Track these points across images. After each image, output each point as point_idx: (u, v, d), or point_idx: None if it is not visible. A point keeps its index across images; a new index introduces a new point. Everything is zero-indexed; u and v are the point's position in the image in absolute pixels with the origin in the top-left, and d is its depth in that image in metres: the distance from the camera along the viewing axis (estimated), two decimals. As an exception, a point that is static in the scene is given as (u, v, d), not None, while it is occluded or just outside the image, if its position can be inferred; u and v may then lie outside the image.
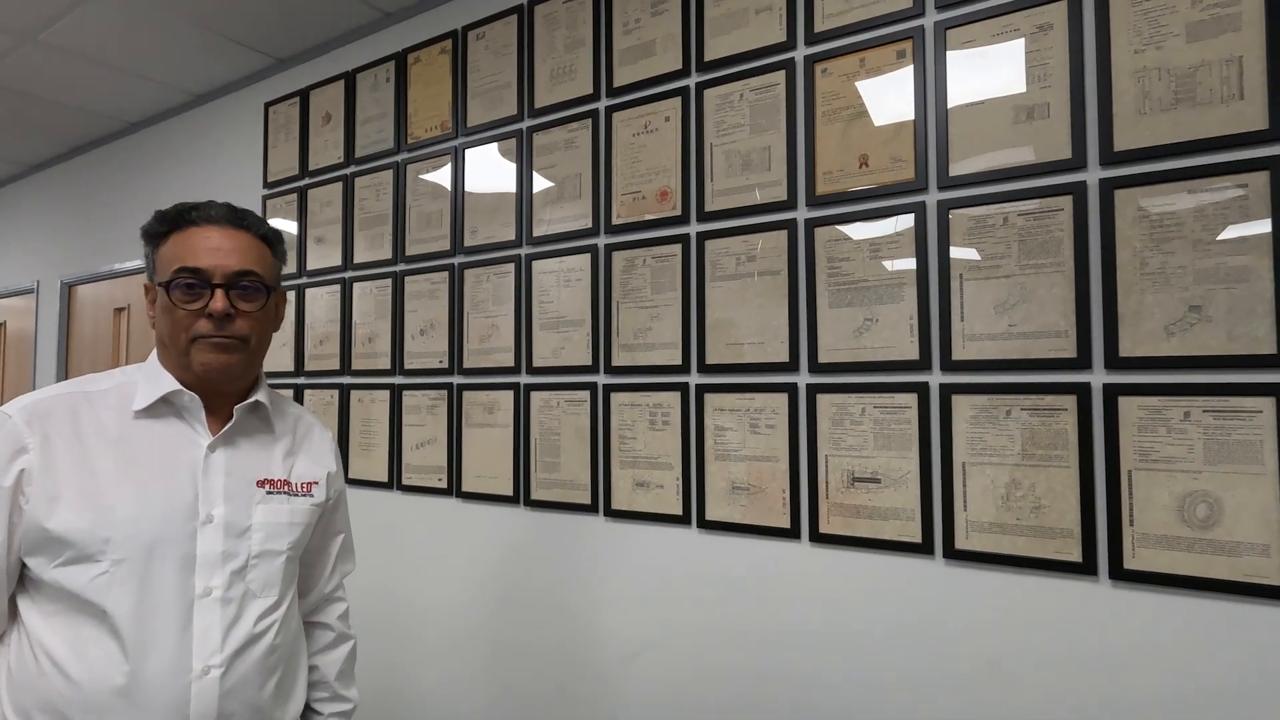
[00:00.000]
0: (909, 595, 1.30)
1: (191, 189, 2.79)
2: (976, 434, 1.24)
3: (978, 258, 1.26)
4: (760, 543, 1.45)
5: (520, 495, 1.79)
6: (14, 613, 0.91)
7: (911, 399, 1.30)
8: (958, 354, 1.27)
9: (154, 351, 1.00)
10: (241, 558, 0.95)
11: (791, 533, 1.41)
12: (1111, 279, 1.16)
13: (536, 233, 1.80)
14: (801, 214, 1.44)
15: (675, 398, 1.56)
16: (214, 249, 0.94)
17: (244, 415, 1.00)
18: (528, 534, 1.78)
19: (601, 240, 1.69)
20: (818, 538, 1.38)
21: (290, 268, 2.37)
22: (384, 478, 2.07)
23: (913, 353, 1.31)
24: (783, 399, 1.43)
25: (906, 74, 1.34)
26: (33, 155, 3.50)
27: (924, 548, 1.28)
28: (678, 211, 1.58)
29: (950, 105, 1.30)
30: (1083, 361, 1.17)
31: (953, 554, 1.26)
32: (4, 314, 3.98)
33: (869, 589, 1.34)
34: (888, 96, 1.36)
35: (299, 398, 2.31)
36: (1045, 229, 1.21)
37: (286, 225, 2.39)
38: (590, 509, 1.67)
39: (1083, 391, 1.17)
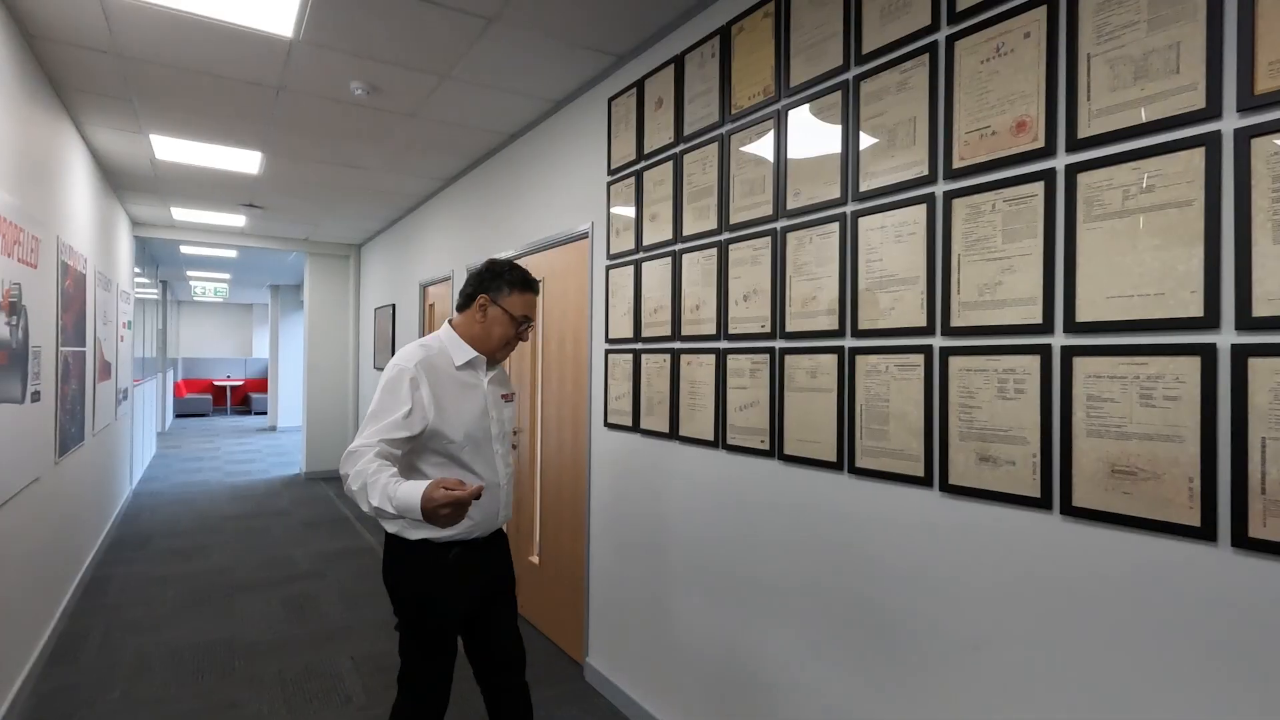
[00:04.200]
0: None
1: (552, 185, 3.29)
2: None
3: None
4: (1150, 540, 1.18)
5: (844, 462, 1.74)
6: (412, 466, 1.70)
7: None
8: None
9: (446, 328, 1.82)
10: (505, 437, 1.87)
11: (1201, 532, 1.12)
12: None
13: (863, 188, 1.70)
14: (1229, 123, 1.10)
15: (1033, 362, 1.34)
16: (532, 307, 1.87)
17: (498, 367, 1.89)
18: (851, 502, 1.73)
19: (939, 188, 1.53)
20: (1244, 543, 1.07)
21: (629, 244, 2.64)
22: (710, 436, 2.20)
23: None
24: (1192, 364, 1.13)
25: None
26: (447, 171, 4.48)
27: None
28: (1039, 143, 1.35)
29: None
30: None
31: None
32: (433, 297, 5.21)
33: (1334, 620, 0.99)
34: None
35: (637, 363, 2.58)
36: None
37: (626, 209, 2.66)
38: (922, 482, 1.54)
39: None
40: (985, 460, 1.42)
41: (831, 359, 1.78)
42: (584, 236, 3.01)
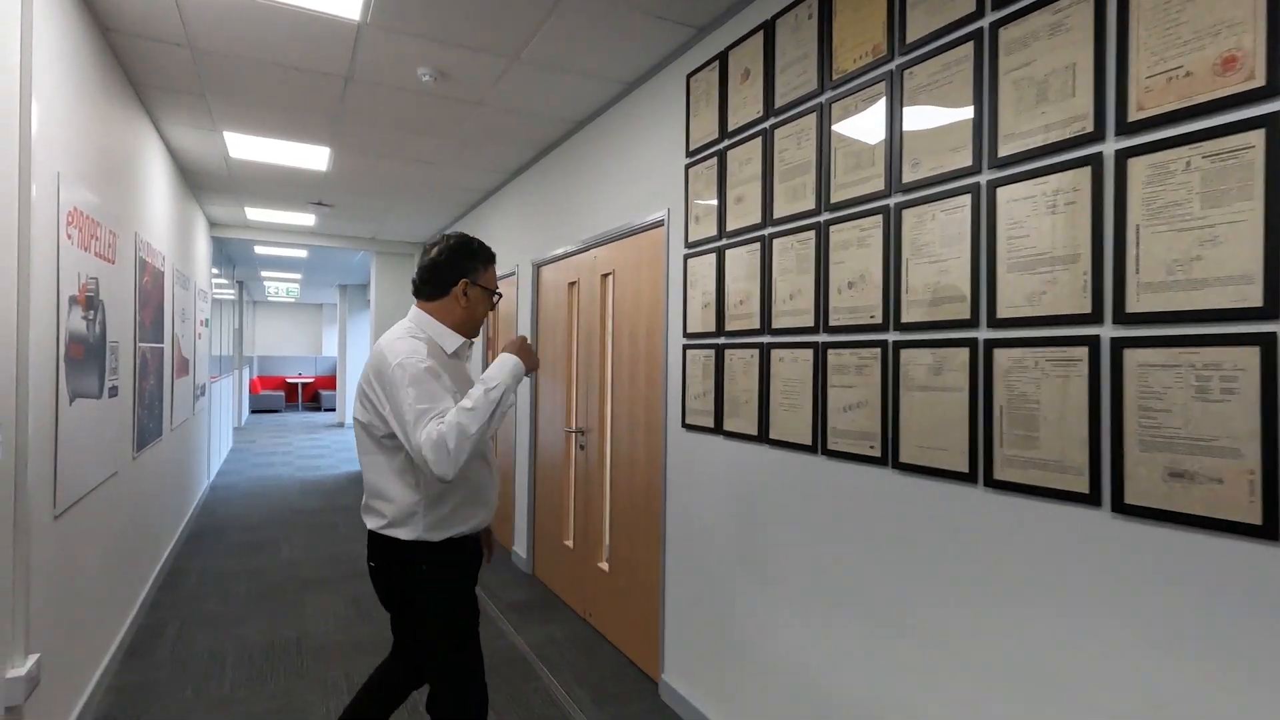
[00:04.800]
0: None
1: (622, 172, 3.12)
2: None
3: None
4: None
5: (979, 473, 1.49)
6: None
7: None
8: None
9: (422, 315, 1.74)
10: None
11: None
12: None
13: (1003, 152, 1.46)
14: None
15: (1249, 355, 1.08)
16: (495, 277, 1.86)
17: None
18: (989, 520, 1.48)
19: (1109, 146, 1.27)
20: None
21: (710, 230, 2.44)
22: (807, 440, 1.98)
23: None
24: None
25: None
26: (512, 163, 4.37)
27: None
28: (1258, 82, 1.08)
29: None
30: None
31: None
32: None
33: None
34: None
35: (720, 359, 2.38)
36: None
37: (707, 192, 2.46)
38: (1087, 499, 1.29)
39: None
40: (1177, 476, 1.16)
41: (961, 353, 1.54)
42: (659, 224, 2.83)
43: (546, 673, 2.92)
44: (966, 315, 1.52)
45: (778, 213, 2.12)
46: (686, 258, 2.59)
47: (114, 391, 2.83)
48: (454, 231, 1.80)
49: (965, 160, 1.54)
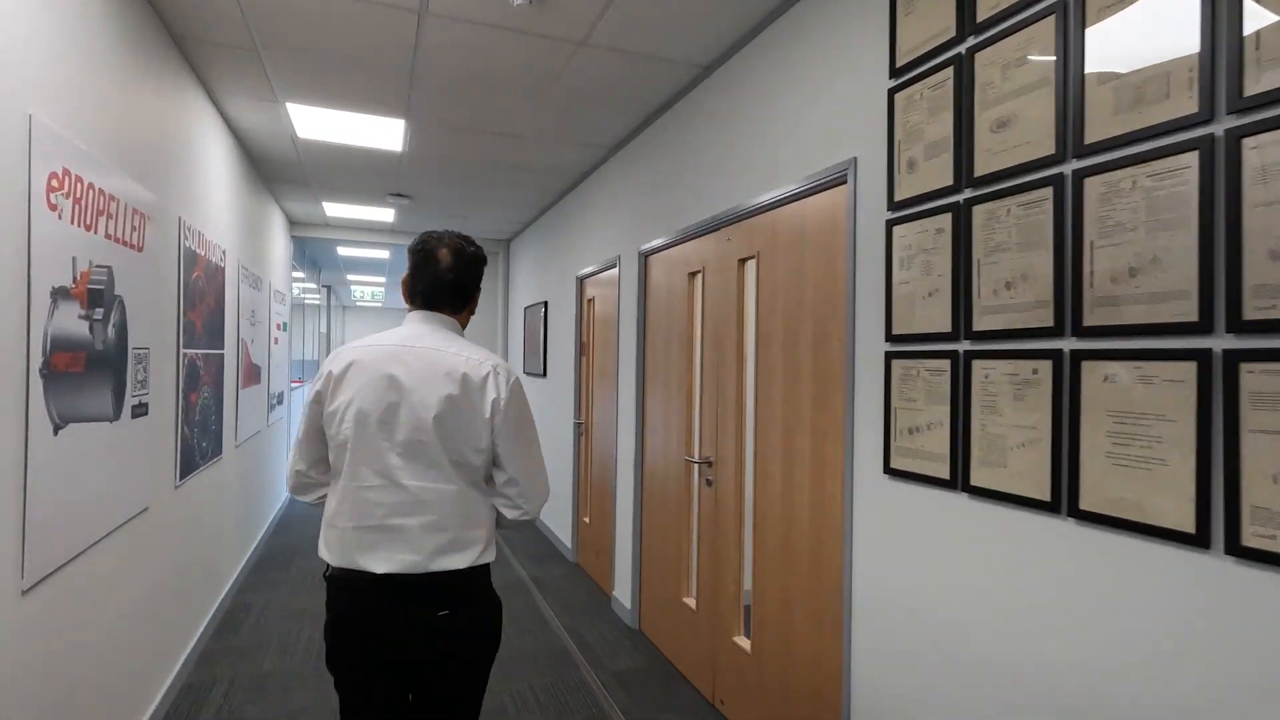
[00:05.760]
0: None
1: (775, 123, 2.33)
2: None
3: None
4: None
5: None
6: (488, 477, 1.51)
7: None
8: None
9: (456, 324, 1.57)
10: None
11: None
12: None
13: None
14: None
15: None
16: None
17: None
18: None
19: None
20: None
21: (940, 179, 1.62)
22: (1183, 524, 1.12)
23: None
24: None
25: None
26: (615, 133, 3.65)
27: None
28: None
29: None
30: None
31: None
32: (592, 291, 4.43)
33: None
34: None
35: (961, 374, 1.55)
36: None
37: (933, 123, 1.64)
38: None
39: None
40: None
41: None
42: (837, 182, 2.02)
43: (675, 797, 2.15)
44: None
45: (1093, 135, 1.27)
46: (890, 224, 1.77)
47: (141, 410, 2.28)
48: (455, 233, 1.54)
49: None
